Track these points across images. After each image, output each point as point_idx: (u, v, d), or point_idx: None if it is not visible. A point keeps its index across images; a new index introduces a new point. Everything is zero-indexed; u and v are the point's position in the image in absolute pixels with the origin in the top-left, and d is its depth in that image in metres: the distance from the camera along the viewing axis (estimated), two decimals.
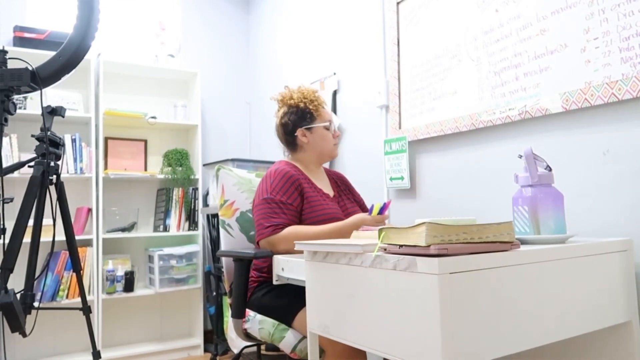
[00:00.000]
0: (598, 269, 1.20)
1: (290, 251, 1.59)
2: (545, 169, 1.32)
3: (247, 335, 1.71)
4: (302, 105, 1.81)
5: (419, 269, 0.92)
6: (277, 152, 3.33)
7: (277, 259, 1.45)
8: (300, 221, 1.70)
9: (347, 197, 1.91)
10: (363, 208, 1.98)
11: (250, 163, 3.09)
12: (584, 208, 1.52)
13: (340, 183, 1.96)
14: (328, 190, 1.87)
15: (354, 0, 2.58)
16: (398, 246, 0.99)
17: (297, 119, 1.82)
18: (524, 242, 1.23)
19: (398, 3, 2.24)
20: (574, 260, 1.14)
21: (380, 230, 1.05)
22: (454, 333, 0.89)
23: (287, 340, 1.55)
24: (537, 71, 1.64)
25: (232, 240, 1.89)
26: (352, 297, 1.09)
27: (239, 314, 1.67)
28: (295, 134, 1.83)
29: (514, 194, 1.35)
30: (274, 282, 1.46)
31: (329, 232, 1.60)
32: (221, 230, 1.89)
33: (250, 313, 1.71)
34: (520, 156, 1.33)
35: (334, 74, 2.71)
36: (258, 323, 1.65)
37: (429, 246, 0.92)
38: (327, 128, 1.83)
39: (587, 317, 1.16)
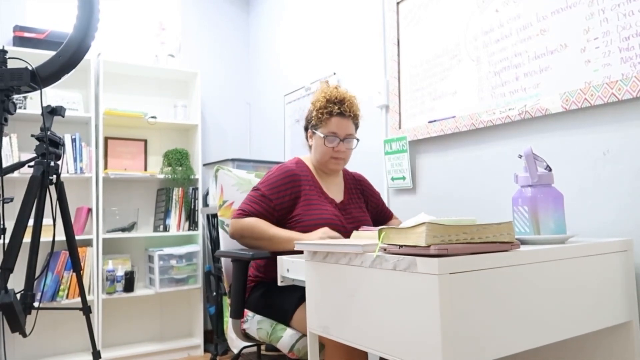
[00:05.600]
0: (598, 269, 1.20)
1: (244, 240, 1.61)
2: (545, 169, 1.32)
3: (246, 336, 1.71)
4: (311, 107, 1.77)
5: (419, 269, 0.92)
6: (277, 152, 3.34)
7: (282, 260, 1.42)
8: (291, 221, 1.66)
9: (356, 205, 1.82)
10: (381, 211, 1.92)
11: (250, 163, 3.09)
12: (584, 208, 1.52)
13: (354, 189, 1.87)
14: (336, 195, 1.79)
15: (354, 0, 2.58)
16: (398, 246, 0.99)
17: (309, 119, 1.79)
18: (524, 242, 1.23)
19: (398, 3, 2.24)
20: (574, 261, 1.14)
21: (380, 231, 1.05)
22: (454, 333, 0.89)
23: (285, 340, 1.55)
24: (537, 71, 1.64)
25: (231, 241, 1.89)
26: (352, 298, 1.09)
27: (237, 314, 1.67)
28: (307, 133, 1.82)
29: (514, 194, 1.35)
30: (279, 284, 1.43)
31: (287, 239, 1.54)
32: (220, 231, 1.89)
33: (248, 313, 1.70)
34: (520, 156, 1.33)
35: (334, 74, 2.71)
36: (256, 323, 1.65)
37: (429, 246, 0.92)
38: (324, 139, 1.71)
39: (587, 317, 1.16)
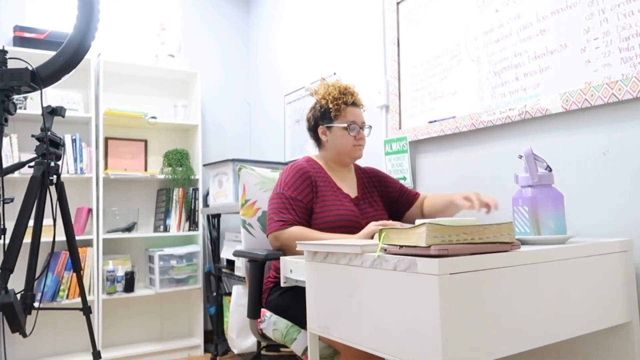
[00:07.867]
0: (598, 270, 1.20)
1: (292, 250, 1.56)
2: (545, 169, 1.32)
3: (263, 336, 1.70)
4: (324, 102, 1.77)
5: (419, 270, 0.92)
6: (277, 152, 3.34)
7: (285, 261, 1.42)
8: (311, 219, 1.66)
9: (370, 201, 1.81)
10: (403, 194, 1.88)
11: (250, 163, 3.09)
12: (584, 208, 1.52)
13: (368, 183, 1.87)
14: (350, 190, 1.79)
15: (354, 0, 2.58)
16: (398, 247, 0.99)
17: (319, 115, 1.79)
18: (524, 242, 1.23)
19: (398, 3, 2.24)
20: (574, 261, 1.14)
21: (380, 231, 1.05)
22: (454, 334, 0.89)
23: (299, 343, 1.54)
24: (537, 71, 1.64)
25: (253, 240, 1.86)
26: (352, 298, 1.09)
27: (253, 315, 1.65)
28: (317, 131, 1.80)
29: (514, 194, 1.35)
30: (282, 284, 1.42)
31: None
32: (242, 230, 1.86)
33: (266, 313, 1.69)
34: (520, 156, 1.33)
35: (334, 74, 2.71)
36: (272, 324, 1.64)
37: (429, 247, 0.92)
38: (346, 129, 1.74)
39: (587, 317, 1.16)
